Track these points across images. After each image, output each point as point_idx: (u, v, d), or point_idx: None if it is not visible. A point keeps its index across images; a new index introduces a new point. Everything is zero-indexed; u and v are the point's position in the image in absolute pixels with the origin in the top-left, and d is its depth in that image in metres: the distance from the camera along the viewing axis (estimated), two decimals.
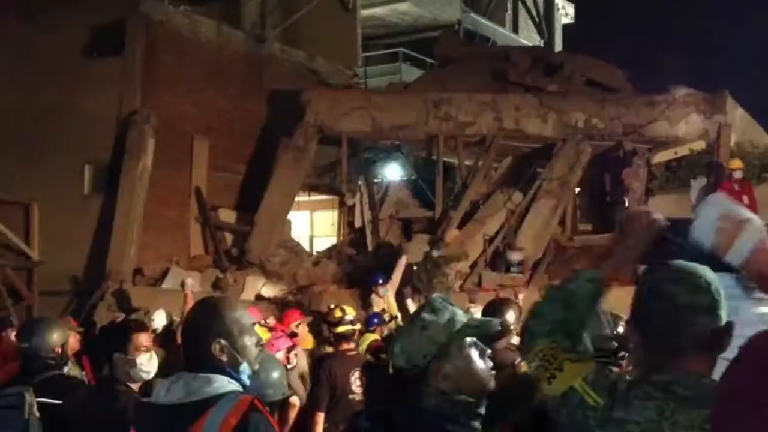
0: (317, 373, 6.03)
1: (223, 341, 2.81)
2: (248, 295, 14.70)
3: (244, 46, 18.45)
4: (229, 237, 17.06)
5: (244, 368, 2.85)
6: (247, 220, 16.44)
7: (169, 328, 7.20)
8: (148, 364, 4.35)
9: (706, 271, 2.05)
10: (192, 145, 16.99)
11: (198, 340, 2.83)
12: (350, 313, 6.46)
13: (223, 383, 2.74)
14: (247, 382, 2.87)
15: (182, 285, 8.02)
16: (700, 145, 15.44)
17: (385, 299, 11.90)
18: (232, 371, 2.81)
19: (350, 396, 6.14)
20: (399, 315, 11.61)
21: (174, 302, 9.95)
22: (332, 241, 18.31)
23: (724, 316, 2.01)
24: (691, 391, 1.92)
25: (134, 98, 16.34)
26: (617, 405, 1.93)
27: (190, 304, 7.48)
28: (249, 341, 2.89)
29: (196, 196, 16.88)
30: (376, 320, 11.42)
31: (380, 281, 12.30)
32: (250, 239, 15.86)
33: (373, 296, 12.40)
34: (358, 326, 6.48)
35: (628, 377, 2.07)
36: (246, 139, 17.94)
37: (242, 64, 18.25)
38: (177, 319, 7.69)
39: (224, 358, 2.80)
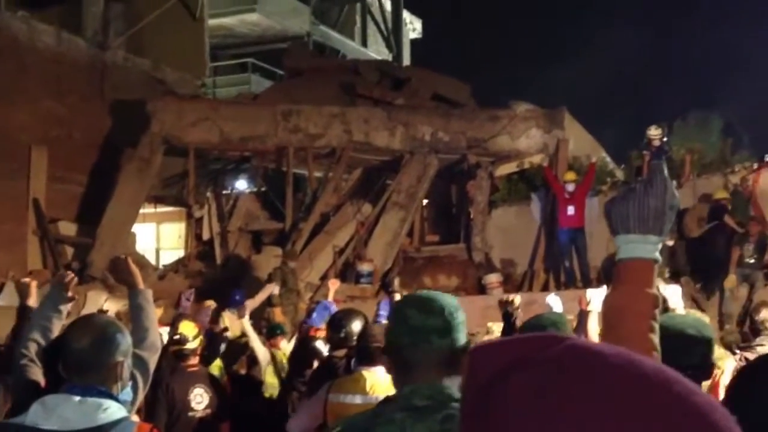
0: (154, 390, 5.87)
1: (125, 361, 2.82)
2: (90, 310, 14.18)
3: (85, 54, 17.86)
4: (69, 250, 16.46)
5: (128, 387, 2.89)
6: (89, 233, 15.91)
7: None
8: None
9: (443, 297, 2.23)
10: (29, 156, 16.31)
11: (98, 362, 2.76)
12: (192, 330, 6.33)
13: (115, 409, 2.68)
14: (129, 398, 2.90)
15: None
16: (540, 158, 16.05)
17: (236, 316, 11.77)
18: (116, 390, 2.79)
19: (189, 414, 6.01)
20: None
21: (8, 320, 9.49)
22: (179, 254, 17.96)
23: (461, 338, 2.18)
24: (429, 400, 2.07)
25: None
26: None
27: None
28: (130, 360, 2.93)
29: (34, 208, 16.22)
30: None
31: (237, 298, 12.17)
32: (91, 253, 15.36)
33: (226, 312, 12.20)
34: (198, 342, 6.36)
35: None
36: (87, 149, 17.35)
37: (83, 72, 17.66)
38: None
39: (125, 377, 2.81)
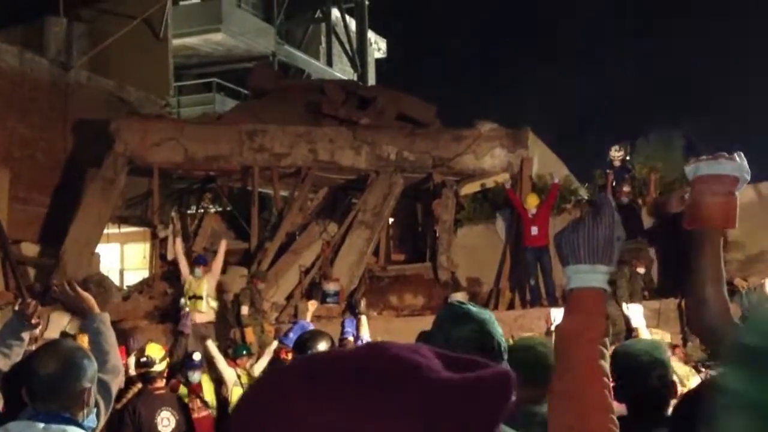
0: (122, 413, 5.83)
1: (92, 387, 2.81)
2: (53, 332, 13.99)
3: (48, 74, 17.72)
4: (32, 272, 16.25)
5: (92, 414, 2.85)
6: (52, 254, 15.73)
7: None
8: None
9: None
10: None
11: (64, 388, 2.75)
12: (159, 352, 6.28)
13: None
14: (93, 424, 2.87)
15: None
16: (504, 177, 16.13)
17: (200, 281, 12.22)
18: (81, 417, 2.76)
19: None
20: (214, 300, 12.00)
21: None
22: (144, 274, 17.79)
23: None
24: None
25: None
26: None
27: None
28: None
29: None
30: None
31: (201, 262, 12.52)
32: (54, 274, 15.16)
33: (187, 277, 12.47)
34: (165, 365, 6.32)
35: None
36: (50, 169, 17.20)
37: (46, 92, 17.52)
38: None
39: (91, 403, 2.79)
